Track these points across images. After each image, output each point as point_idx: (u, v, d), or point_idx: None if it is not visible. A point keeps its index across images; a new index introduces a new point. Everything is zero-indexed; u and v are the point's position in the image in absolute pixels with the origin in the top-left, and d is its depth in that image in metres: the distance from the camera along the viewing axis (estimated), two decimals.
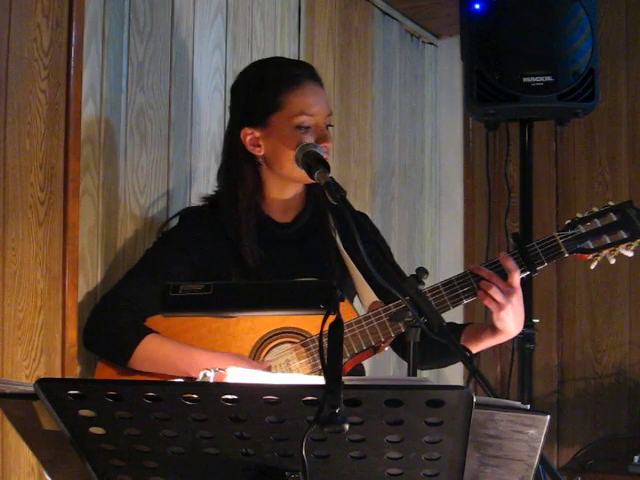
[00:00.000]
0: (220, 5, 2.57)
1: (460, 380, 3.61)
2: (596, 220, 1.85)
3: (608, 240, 1.84)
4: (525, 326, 2.59)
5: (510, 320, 1.82)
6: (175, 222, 2.11)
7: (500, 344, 1.97)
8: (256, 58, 2.70)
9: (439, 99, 3.95)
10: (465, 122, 3.89)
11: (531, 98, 2.53)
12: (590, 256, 1.85)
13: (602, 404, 3.54)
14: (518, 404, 1.07)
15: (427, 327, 1.49)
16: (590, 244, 1.85)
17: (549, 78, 2.52)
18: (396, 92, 3.60)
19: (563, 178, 3.68)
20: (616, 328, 3.54)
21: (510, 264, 1.82)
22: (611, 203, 1.88)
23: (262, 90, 1.95)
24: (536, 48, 2.54)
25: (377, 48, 3.44)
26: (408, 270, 1.52)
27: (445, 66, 3.92)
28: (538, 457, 1.11)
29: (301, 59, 2.94)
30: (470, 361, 1.40)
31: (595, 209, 1.88)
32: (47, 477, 1.26)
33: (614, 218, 1.85)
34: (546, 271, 1.94)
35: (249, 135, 1.96)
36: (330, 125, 1.98)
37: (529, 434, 1.08)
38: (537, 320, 2.68)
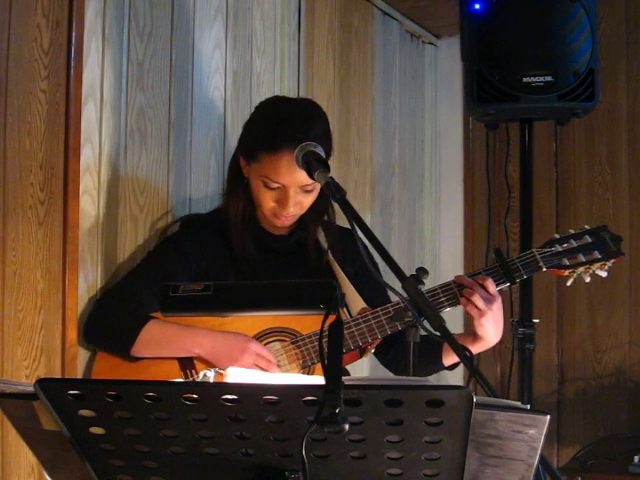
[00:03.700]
0: (220, 5, 2.57)
1: (460, 380, 3.61)
2: (572, 240, 2.00)
3: (583, 259, 1.98)
4: (525, 326, 2.62)
5: (490, 327, 1.90)
6: (176, 227, 2.21)
7: (500, 344, 2.03)
8: (256, 58, 2.71)
9: (439, 99, 3.95)
10: (465, 122, 3.89)
11: (531, 98, 2.52)
12: (566, 272, 1.99)
13: (602, 404, 3.54)
14: (518, 404, 1.07)
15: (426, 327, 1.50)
16: (566, 261, 1.98)
17: (549, 78, 2.52)
18: (396, 92, 3.60)
19: (563, 178, 3.68)
20: (616, 328, 3.54)
21: (482, 277, 1.93)
22: (587, 227, 2.03)
23: (253, 135, 2.03)
24: (536, 48, 2.54)
25: (377, 48, 3.44)
26: (408, 270, 1.52)
27: (445, 66, 3.92)
28: (538, 457, 1.11)
29: (301, 59, 2.94)
30: (470, 361, 1.40)
31: (571, 231, 2.02)
32: (47, 477, 1.26)
33: (589, 240, 2.00)
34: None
35: (240, 158, 2.07)
36: (307, 191, 1.99)
37: (529, 434, 1.08)
38: (537, 320, 2.67)
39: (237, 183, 2.08)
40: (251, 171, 2.02)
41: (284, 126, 1.94)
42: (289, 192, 1.96)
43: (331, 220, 2.16)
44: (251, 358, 1.86)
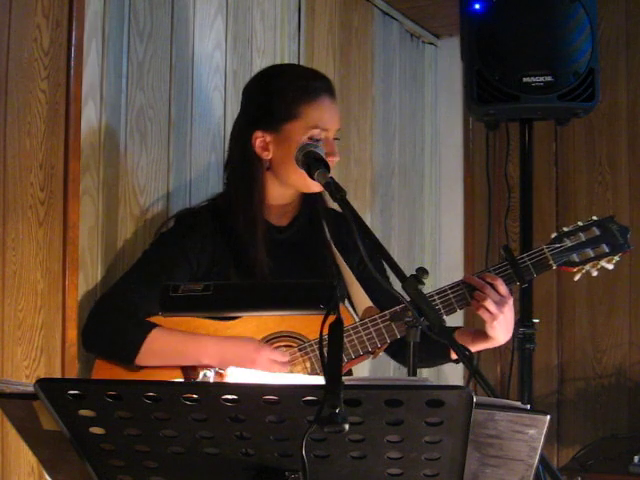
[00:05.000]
0: (220, 5, 2.57)
1: (460, 380, 3.61)
2: (580, 234, 1.96)
3: (592, 254, 1.95)
4: (525, 326, 2.63)
5: (501, 329, 1.89)
6: (171, 224, 2.09)
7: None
8: (256, 58, 2.71)
9: (439, 99, 3.95)
10: (465, 122, 3.90)
11: (531, 98, 2.53)
12: (575, 269, 1.96)
13: (602, 404, 3.54)
14: (518, 404, 1.07)
15: (427, 327, 1.50)
16: (575, 257, 1.95)
17: (549, 78, 2.52)
18: (396, 92, 3.60)
19: (563, 178, 3.68)
20: (616, 328, 3.54)
21: (492, 277, 1.89)
22: (594, 217, 1.98)
23: (280, 97, 1.96)
24: (536, 48, 2.54)
25: (377, 48, 3.44)
26: (408, 270, 1.52)
27: (445, 66, 3.93)
28: (538, 457, 1.11)
29: (301, 59, 2.94)
30: (470, 361, 1.40)
31: (580, 223, 1.97)
32: (47, 477, 1.26)
33: (597, 232, 1.95)
34: (546, 271, 1.99)
35: (259, 138, 1.97)
36: (337, 138, 1.99)
37: (529, 434, 1.08)
38: (537, 320, 2.68)
39: (253, 167, 1.98)
40: (287, 136, 1.93)
41: (308, 74, 2.02)
42: (331, 136, 1.96)
43: (326, 205, 2.11)
44: (263, 366, 1.80)
